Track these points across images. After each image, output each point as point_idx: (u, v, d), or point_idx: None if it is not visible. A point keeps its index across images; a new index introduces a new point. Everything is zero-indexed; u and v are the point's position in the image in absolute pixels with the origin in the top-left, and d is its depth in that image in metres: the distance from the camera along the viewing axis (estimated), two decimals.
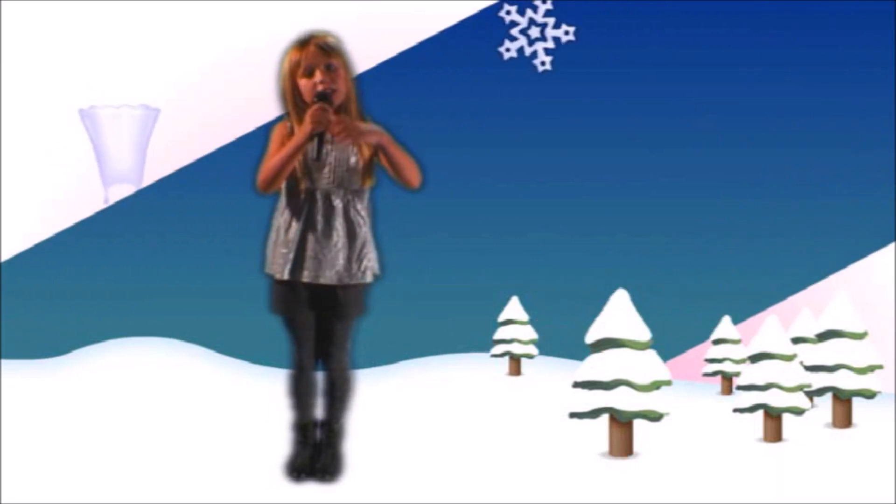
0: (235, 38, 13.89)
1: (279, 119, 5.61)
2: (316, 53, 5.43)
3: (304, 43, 5.48)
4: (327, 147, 5.51)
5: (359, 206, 5.57)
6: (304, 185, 5.45)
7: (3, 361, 14.59)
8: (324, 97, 5.37)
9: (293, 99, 5.51)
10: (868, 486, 7.41)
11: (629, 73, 17.09)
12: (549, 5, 3.90)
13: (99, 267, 15.73)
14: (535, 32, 3.99)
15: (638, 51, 16.93)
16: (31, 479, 6.58)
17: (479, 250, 16.20)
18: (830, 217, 15.85)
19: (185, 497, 5.80)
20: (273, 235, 5.56)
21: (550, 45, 4.00)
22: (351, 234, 5.53)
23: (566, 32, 3.96)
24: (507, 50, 4.00)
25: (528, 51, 4.04)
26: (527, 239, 16.34)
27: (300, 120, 5.46)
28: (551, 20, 3.96)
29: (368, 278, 5.56)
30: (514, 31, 3.97)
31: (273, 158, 5.43)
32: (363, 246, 5.55)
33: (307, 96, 5.46)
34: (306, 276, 5.47)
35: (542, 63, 4.01)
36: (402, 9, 14.90)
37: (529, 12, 3.94)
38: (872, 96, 15.43)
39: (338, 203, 5.51)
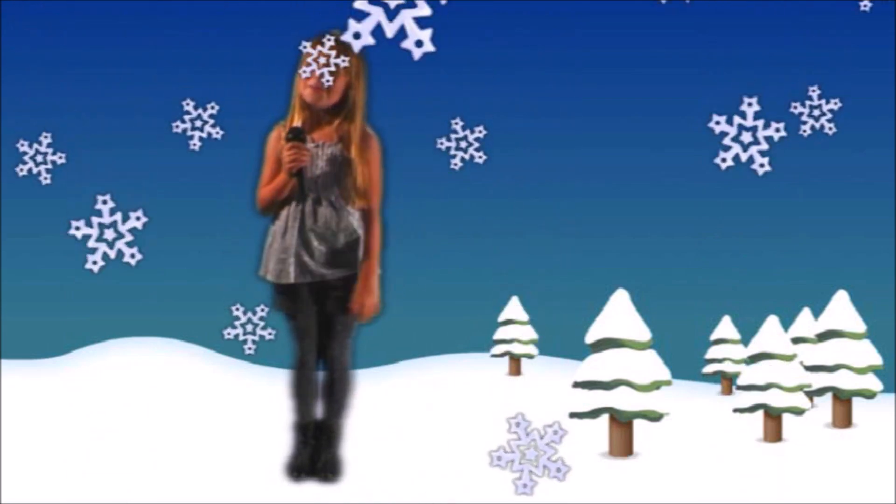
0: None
1: (277, 123, 5.60)
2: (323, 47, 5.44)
3: (316, 39, 5.48)
4: (317, 151, 5.50)
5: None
6: (297, 187, 5.43)
7: (3, 361, 14.59)
8: (297, 135, 5.32)
9: (297, 94, 5.52)
10: (868, 486, 7.41)
11: (626, 75, 17.12)
12: (756, 107, 3.89)
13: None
14: (747, 137, 4.00)
15: (635, 51, 16.96)
16: (32, 479, 6.58)
17: (479, 250, 16.22)
18: (830, 217, 15.86)
19: (185, 497, 5.80)
20: (269, 239, 5.53)
21: (764, 146, 4.00)
22: (348, 228, 5.52)
23: (777, 130, 3.97)
24: (724, 160, 4.01)
25: (743, 157, 4.06)
26: (527, 239, 16.35)
27: (300, 114, 5.47)
28: (761, 122, 3.97)
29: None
30: (727, 141, 3.99)
31: (266, 189, 5.45)
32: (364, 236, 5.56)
33: (300, 88, 5.47)
34: (308, 278, 5.47)
35: (762, 166, 4.02)
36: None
37: (738, 119, 3.96)
38: (872, 96, 15.43)
39: (334, 200, 5.51)
